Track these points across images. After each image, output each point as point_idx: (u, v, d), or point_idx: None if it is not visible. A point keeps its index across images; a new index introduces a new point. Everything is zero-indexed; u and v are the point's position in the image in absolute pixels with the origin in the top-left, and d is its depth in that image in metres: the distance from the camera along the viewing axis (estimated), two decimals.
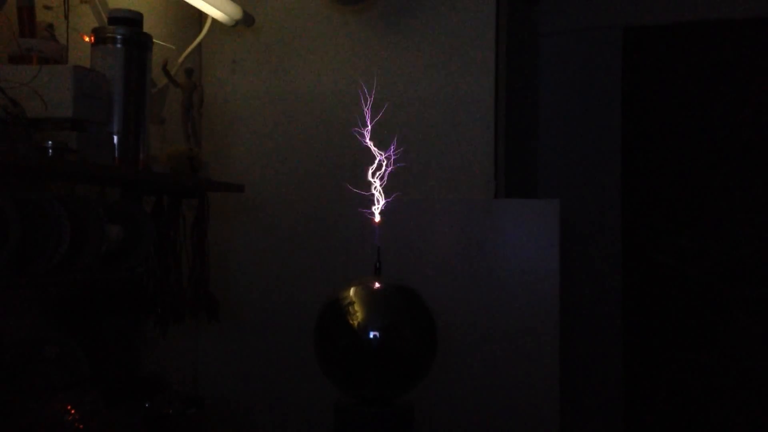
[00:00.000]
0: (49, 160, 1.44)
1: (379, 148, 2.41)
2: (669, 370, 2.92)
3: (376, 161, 1.99)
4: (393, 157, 2.38)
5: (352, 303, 1.84)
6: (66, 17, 1.79)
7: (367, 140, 2.45)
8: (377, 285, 1.87)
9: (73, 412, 1.62)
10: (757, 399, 2.83)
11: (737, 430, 2.84)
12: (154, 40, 1.83)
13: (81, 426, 1.61)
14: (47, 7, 1.75)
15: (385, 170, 2.09)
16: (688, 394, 2.91)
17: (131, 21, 1.73)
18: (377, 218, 1.90)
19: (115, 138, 1.68)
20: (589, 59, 3.00)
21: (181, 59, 2.22)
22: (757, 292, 2.86)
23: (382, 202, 1.93)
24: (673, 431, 2.91)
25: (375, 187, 1.94)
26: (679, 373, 2.92)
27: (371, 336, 1.79)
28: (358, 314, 1.82)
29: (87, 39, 1.76)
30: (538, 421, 2.26)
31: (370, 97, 2.48)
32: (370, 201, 1.93)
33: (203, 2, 2.08)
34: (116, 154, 1.68)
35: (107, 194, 1.93)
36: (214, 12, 2.17)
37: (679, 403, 2.91)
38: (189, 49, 2.24)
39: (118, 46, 1.70)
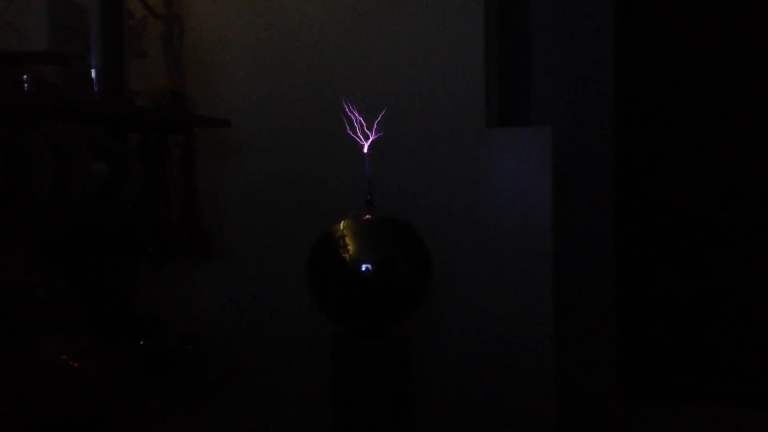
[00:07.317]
0: (27, 95, 1.39)
1: (368, 78, 2.37)
2: (663, 296, 2.95)
3: (363, 90, 1.94)
4: (382, 87, 2.34)
5: (344, 236, 1.83)
6: None
7: (357, 70, 2.40)
8: (369, 218, 1.85)
9: (67, 351, 1.62)
10: (750, 324, 2.86)
11: (731, 356, 2.88)
12: None
13: (76, 364, 1.61)
14: None
15: (375, 100, 2.04)
16: (682, 320, 2.93)
17: None
18: (366, 149, 1.87)
19: (94, 72, 1.63)
20: None
21: None
22: (751, 217, 2.85)
23: (373, 135, 1.89)
24: (666, 357, 2.95)
25: (363, 121, 1.90)
26: (673, 300, 2.94)
27: (364, 269, 1.78)
28: (350, 247, 1.81)
29: None
30: (531, 350, 2.28)
31: (359, 26, 2.42)
32: (362, 133, 1.90)
33: None
34: (96, 89, 1.63)
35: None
36: None
37: (672, 329, 2.94)
38: None
39: None
